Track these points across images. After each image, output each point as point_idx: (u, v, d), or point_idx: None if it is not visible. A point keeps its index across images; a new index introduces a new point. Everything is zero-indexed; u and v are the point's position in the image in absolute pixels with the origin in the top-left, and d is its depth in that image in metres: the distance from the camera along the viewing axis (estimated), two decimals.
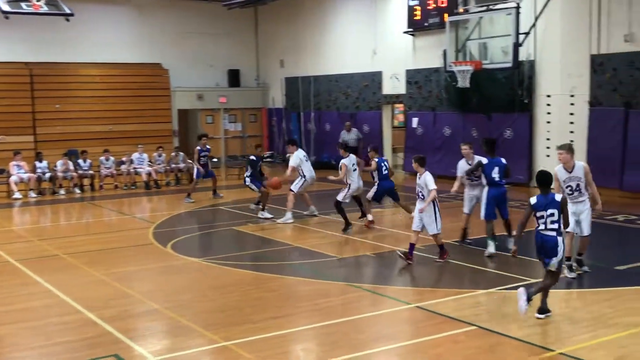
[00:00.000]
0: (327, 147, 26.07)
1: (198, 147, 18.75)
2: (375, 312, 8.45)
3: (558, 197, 8.09)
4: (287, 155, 16.19)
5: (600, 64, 17.08)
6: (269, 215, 14.91)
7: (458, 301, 8.61)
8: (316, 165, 25.54)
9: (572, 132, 17.91)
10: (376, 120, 23.92)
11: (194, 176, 18.64)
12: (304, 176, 14.72)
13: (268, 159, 28.78)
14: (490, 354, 6.95)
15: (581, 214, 9.56)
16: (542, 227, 7.97)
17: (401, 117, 25.06)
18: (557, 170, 9.52)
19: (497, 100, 19.42)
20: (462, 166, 11.66)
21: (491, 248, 11.14)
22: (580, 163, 9.57)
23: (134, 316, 8.59)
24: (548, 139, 18.60)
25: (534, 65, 18.68)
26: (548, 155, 18.60)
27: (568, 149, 9.55)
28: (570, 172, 9.46)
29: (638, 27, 16.24)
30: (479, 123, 20.01)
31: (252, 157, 16.02)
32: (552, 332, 7.43)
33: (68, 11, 21.32)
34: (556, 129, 18.34)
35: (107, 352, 7.15)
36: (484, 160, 11.35)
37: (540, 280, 8.36)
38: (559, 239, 7.90)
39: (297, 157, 14.79)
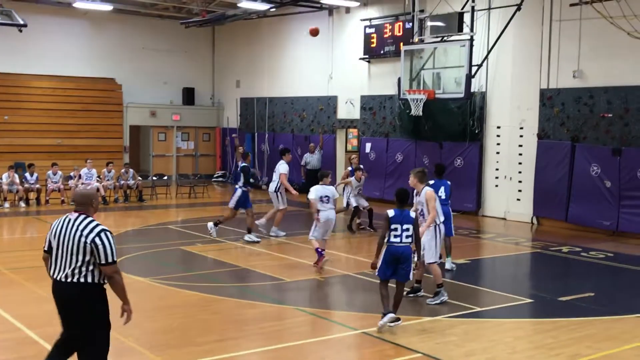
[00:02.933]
0: None
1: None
2: (321, 338, 8.43)
3: (413, 214, 8.99)
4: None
5: (549, 98, 17.52)
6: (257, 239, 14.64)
7: (404, 328, 8.64)
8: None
9: (520, 163, 18.28)
10: (330, 143, 24.03)
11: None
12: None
13: (219, 179, 28.62)
14: None
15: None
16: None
17: (355, 142, 25.23)
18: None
19: (449, 129, 19.73)
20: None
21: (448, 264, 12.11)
22: (426, 188, 10.07)
23: None
24: (497, 169, 18.96)
25: (485, 97, 19.07)
26: (497, 185, 18.95)
27: (414, 174, 10.12)
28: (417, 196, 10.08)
29: (586, 64, 16.74)
30: (431, 151, 20.27)
31: (244, 164, 15.18)
32: None
33: (21, 22, 20.99)
34: (505, 160, 18.71)
35: None
36: (430, 182, 11.91)
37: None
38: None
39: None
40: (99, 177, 21.38)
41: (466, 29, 16.98)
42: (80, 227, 5.51)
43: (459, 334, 8.47)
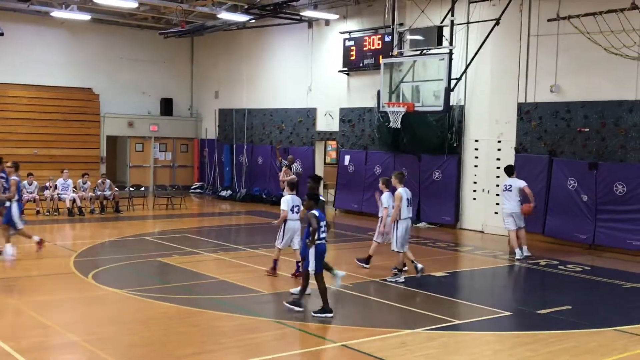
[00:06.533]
0: (259, 180, 26.02)
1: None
2: (300, 350, 8.36)
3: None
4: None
5: (526, 112, 17.66)
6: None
7: (383, 341, 8.60)
8: (246, 198, 25.65)
9: (498, 176, 18.35)
10: (309, 156, 24.01)
11: None
12: None
13: (197, 190, 28.47)
14: None
15: None
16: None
17: (334, 154, 25.26)
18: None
19: (428, 142, 19.80)
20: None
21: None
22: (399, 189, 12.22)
23: (51, 348, 8.24)
24: (475, 182, 19.04)
25: (464, 110, 19.18)
26: (474, 199, 19.02)
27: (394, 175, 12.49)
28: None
29: (563, 79, 16.90)
30: (410, 163, 20.32)
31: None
32: None
33: None
34: (483, 173, 18.81)
35: None
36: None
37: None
38: None
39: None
40: (74, 187, 21.16)
41: (445, 43, 17.07)
42: None
43: (438, 347, 8.45)
